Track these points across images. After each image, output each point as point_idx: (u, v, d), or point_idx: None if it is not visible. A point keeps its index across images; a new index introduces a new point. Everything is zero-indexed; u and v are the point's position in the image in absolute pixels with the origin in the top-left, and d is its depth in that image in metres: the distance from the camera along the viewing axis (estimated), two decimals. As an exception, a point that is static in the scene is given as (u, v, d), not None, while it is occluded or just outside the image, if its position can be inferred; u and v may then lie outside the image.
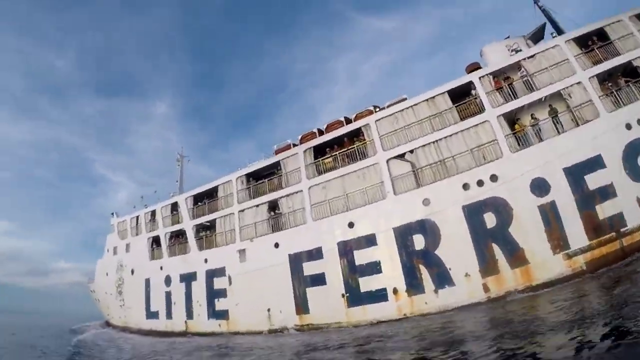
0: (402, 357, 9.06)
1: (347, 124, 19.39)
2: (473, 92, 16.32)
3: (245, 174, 22.21)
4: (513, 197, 14.08)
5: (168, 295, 24.16)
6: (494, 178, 14.54)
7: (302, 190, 19.12)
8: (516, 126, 15.37)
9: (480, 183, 14.70)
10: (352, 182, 17.70)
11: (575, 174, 13.37)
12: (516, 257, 13.69)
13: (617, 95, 13.89)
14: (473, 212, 14.56)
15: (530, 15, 19.61)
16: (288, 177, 20.08)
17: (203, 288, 21.94)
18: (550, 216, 13.47)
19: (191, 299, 22.61)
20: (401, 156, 16.83)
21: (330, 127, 19.86)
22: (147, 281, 26.05)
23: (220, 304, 20.98)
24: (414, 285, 15.04)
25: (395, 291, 15.34)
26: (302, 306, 17.65)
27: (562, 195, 13.42)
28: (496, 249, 14.00)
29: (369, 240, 16.31)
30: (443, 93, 16.65)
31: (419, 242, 15.27)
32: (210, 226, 23.40)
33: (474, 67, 17.23)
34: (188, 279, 22.93)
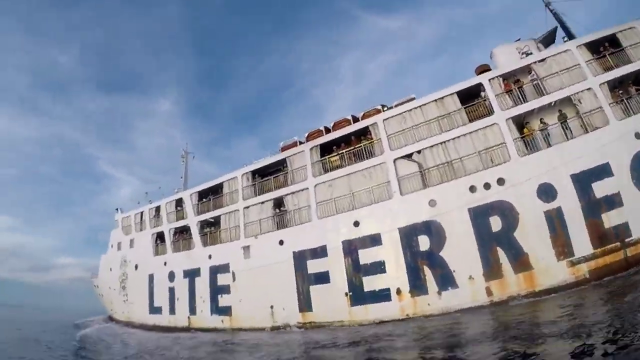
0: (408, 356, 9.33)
1: (354, 122, 19.56)
2: (482, 94, 16.43)
3: (251, 171, 22.46)
4: (519, 201, 14.22)
5: (171, 290, 24.47)
6: (501, 181, 14.68)
7: (307, 188, 19.34)
8: (525, 130, 15.47)
9: (487, 186, 14.86)
10: (358, 181, 17.89)
11: (583, 181, 13.48)
12: (520, 262, 13.86)
13: (627, 104, 13.94)
14: (479, 215, 14.73)
15: (537, 18, 19.78)
16: (294, 175, 20.29)
17: (207, 284, 22.24)
18: (556, 222, 13.62)
19: (194, 295, 22.92)
20: (408, 156, 17.00)
21: (337, 125, 20.04)
22: (151, 277, 26.37)
23: (223, 300, 21.28)
24: (417, 286, 15.26)
25: (398, 291, 15.56)
26: (305, 304, 17.90)
27: (569, 202, 13.54)
28: (501, 253, 14.17)
29: (374, 240, 16.52)
30: (452, 94, 16.78)
31: (424, 243, 15.48)
32: (215, 222, 23.67)
33: (483, 69, 17.33)
34: (192, 274, 23.24)
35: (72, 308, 72.28)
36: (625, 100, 14.01)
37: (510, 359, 6.64)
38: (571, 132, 14.51)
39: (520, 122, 15.76)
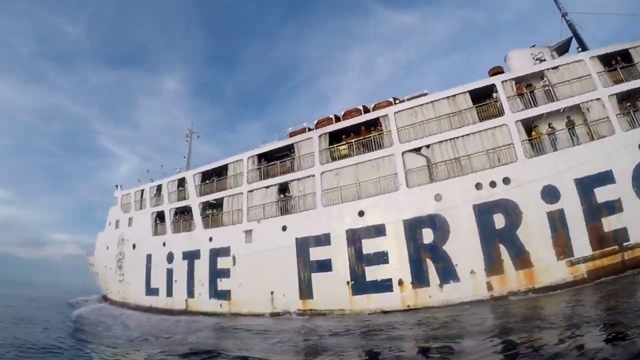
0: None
1: (364, 112, 19.97)
2: (494, 95, 17.05)
3: (257, 154, 22.68)
4: (524, 201, 14.86)
5: (169, 272, 24.57)
6: (506, 181, 15.30)
7: (314, 175, 19.69)
8: (533, 133, 16.09)
9: (492, 184, 15.46)
10: (365, 171, 18.35)
11: (586, 185, 14.17)
12: (521, 259, 14.49)
13: (634, 116, 14.67)
14: (483, 212, 15.32)
15: (550, 27, 20.49)
16: (301, 161, 20.62)
17: (206, 267, 22.41)
18: (558, 223, 14.28)
19: (193, 278, 23.08)
20: (417, 150, 17.51)
21: (348, 115, 20.43)
22: (149, 257, 26.44)
23: (222, 284, 21.50)
24: (419, 278, 15.78)
25: (400, 282, 16.06)
26: (306, 291, 18.29)
27: (571, 205, 14.22)
28: (503, 250, 14.78)
29: (378, 230, 17.00)
30: (465, 92, 17.35)
31: (427, 236, 16.00)
32: (217, 204, 23.88)
33: (496, 71, 17.93)
34: (191, 256, 23.42)
35: (65, 285, 70.51)
36: (632, 113, 14.73)
37: (509, 349, 7.06)
38: (578, 138, 15.19)
39: (529, 125, 16.36)
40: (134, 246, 28.25)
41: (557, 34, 18.55)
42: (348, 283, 17.15)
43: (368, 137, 19.03)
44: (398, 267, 16.25)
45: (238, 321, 17.89)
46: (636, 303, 10.26)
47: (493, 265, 14.80)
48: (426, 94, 18.56)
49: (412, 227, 16.36)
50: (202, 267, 22.74)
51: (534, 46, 18.27)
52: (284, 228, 19.63)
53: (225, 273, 21.48)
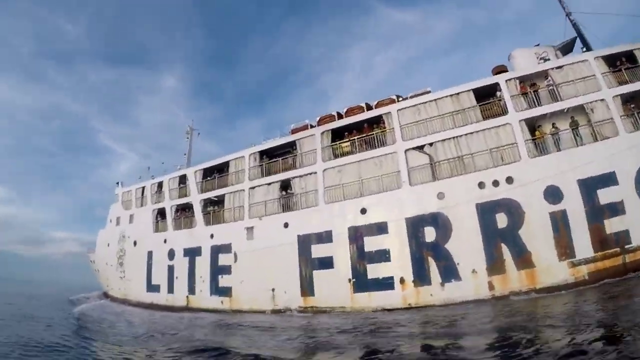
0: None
1: (367, 110, 20.01)
2: (498, 93, 17.08)
3: (259, 151, 22.74)
4: (526, 201, 14.93)
5: (171, 269, 24.70)
6: (509, 180, 15.36)
7: (316, 172, 19.73)
8: (537, 132, 16.14)
9: (495, 183, 15.52)
10: (368, 168, 18.41)
11: (589, 186, 14.22)
12: (523, 259, 14.57)
13: (637, 118, 14.74)
14: (486, 211, 15.39)
15: (553, 27, 20.52)
16: (303, 158, 20.65)
17: (207, 263, 22.51)
18: (560, 224, 14.36)
19: (194, 274, 23.19)
20: (420, 148, 17.57)
21: (350, 112, 20.46)
22: (150, 254, 26.57)
23: (224, 281, 21.59)
24: (421, 277, 15.86)
25: (402, 280, 16.14)
26: (307, 288, 18.37)
27: (574, 206, 14.29)
28: (505, 249, 14.86)
29: (380, 228, 17.07)
30: (468, 91, 17.39)
31: (430, 234, 16.08)
32: (219, 201, 23.97)
33: (500, 70, 17.97)
34: (192, 253, 23.52)
35: (65, 283, 70.48)
36: (636, 114, 14.80)
37: (509, 349, 7.01)
38: (581, 139, 15.24)
39: (532, 125, 16.40)
40: (135, 243, 28.33)
41: (558, 34, 18.79)
42: (349, 281, 17.23)
43: (371, 135, 19.09)
44: (400, 265, 16.33)
45: (242, 318, 17.84)
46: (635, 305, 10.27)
47: (495, 265, 14.88)
48: (429, 92, 18.61)
49: (415, 225, 16.43)
50: (203, 264, 22.83)
51: (538, 45, 18.29)
52: (286, 225, 19.71)
53: (227, 270, 21.56)
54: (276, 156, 22.29)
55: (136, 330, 15.44)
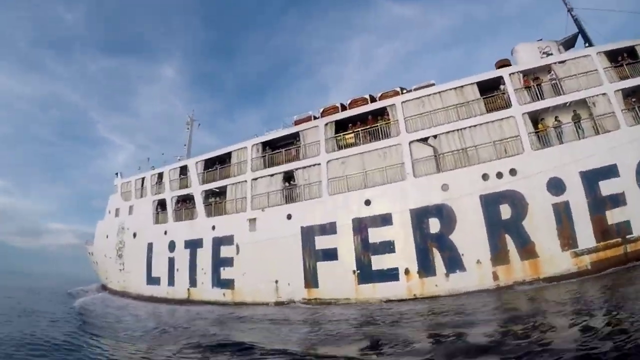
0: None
1: (371, 102, 20.00)
2: (502, 87, 17.21)
3: (261, 142, 22.59)
4: (530, 192, 15.08)
5: (171, 261, 24.46)
6: (513, 172, 15.49)
7: (320, 164, 19.67)
8: (539, 125, 16.31)
9: (499, 175, 15.64)
10: (372, 160, 18.40)
11: (591, 178, 14.44)
12: (527, 249, 14.74)
13: (638, 112, 14.98)
14: (490, 202, 15.51)
15: (554, 23, 20.72)
16: (306, 149, 20.60)
17: (209, 256, 22.33)
18: (563, 215, 14.56)
19: (195, 266, 22.98)
20: (424, 140, 17.62)
21: (354, 103, 20.42)
22: (150, 246, 26.26)
23: (225, 273, 21.44)
24: (426, 267, 15.92)
25: (407, 271, 16.18)
26: (311, 280, 18.33)
27: (576, 197, 14.49)
28: (508, 240, 15.01)
29: (385, 219, 17.09)
30: (472, 84, 17.47)
31: (434, 225, 16.13)
32: (220, 193, 23.78)
33: (503, 63, 18.09)
34: (193, 245, 23.30)
35: (62, 275, 68.67)
36: (637, 109, 15.03)
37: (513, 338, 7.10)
38: (583, 132, 15.43)
39: (535, 118, 16.55)
40: (134, 235, 27.97)
41: (559, 29, 18.85)
42: (354, 272, 17.24)
43: (375, 126, 19.08)
44: (404, 256, 16.37)
45: (250, 310, 17.65)
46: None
47: (499, 255, 15.02)
48: (433, 85, 18.67)
49: (419, 217, 16.48)
50: (204, 256, 22.62)
51: (541, 40, 18.42)
52: (289, 216, 19.62)
53: (229, 262, 21.39)
54: (279, 147, 22.17)
55: (145, 324, 14.95)
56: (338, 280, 17.52)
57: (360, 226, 17.55)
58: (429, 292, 15.60)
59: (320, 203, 19.00)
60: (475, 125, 16.87)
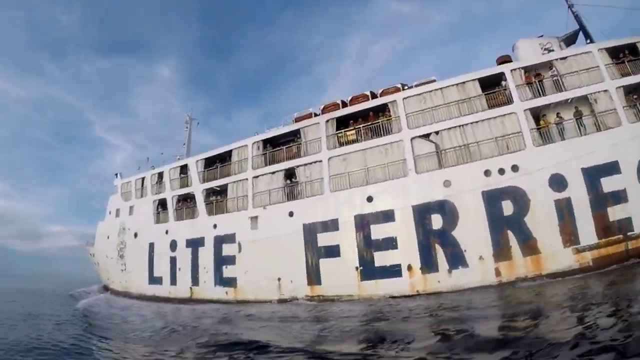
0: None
1: (372, 98, 19.93)
2: (503, 83, 17.21)
3: (262, 140, 22.48)
4: (532, 188, 15.09)
5: (173, 260, 24.38)
6: (515, 168, 15.49)
7: (321, 161, 19.58)
8: (541, 122, 16.29)
9: (501, 171, 15.64)
10: (373, 156, 18.36)
11: (592, 175, 14.46)
12: (529, 245, 14.76)
13: (640, 109, 14.95)
14: (492, 198, 15.51)
15: (553, 19, 20.70)
16: (307, 146, 20.51)
17: (211, 254, 22.26)
18: (565, 211, 14.58)
19: (197, 265, 22.90)
20: (426, 136, 17.58)
21: (355, 100, 20.35)
22: (151, 245, 26.10)
23: (228, 271, 21.36)
24: (428, 264, 15.92)
25: (409, 268, 16.17)
26: (314, 277, 18.27)
27: (578, 194, 14.51)
28: (511, 236, 15.02)
29: (387, 216, 17.06)
30: (474, 80, 17.45)
31: (436, 221, 16.12)
32: (221, 191, 23.68)
33: (504, 60, 18.08)
34: (195, 244, 23.23)
35: (62, 277, 67.22)
36: (638, 105, 15.04)
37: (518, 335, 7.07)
38: (585, 128, 15.44)
39: (537, 114, 16.55)
40: (135, 235, 27.82)
41: (560, 26, 18.78)
42: (357, 269, 17.22)
43: (376, 123, 19.03)
44: (407, 252, 16.36)
45: (259, 308, 17.51)
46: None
47: (501, 252, 15.03)
48: (434, 81, 18.63)
49: (421, 213, 16.46)
50: (206, 255, 22.54)
51: (542, 36, 18.42)
52: (291, 214, 19.56)
53: (231, 260, 21.31)
54: (280, 145, 22.11)
55: (152, 324, 14.67)
56: (341, 277, 17.50)
57: (363, 223, 17.51)
58: (431, 288, 15.60)
59: (322, 200, 18.95)
60: (477, 122, 16.85)
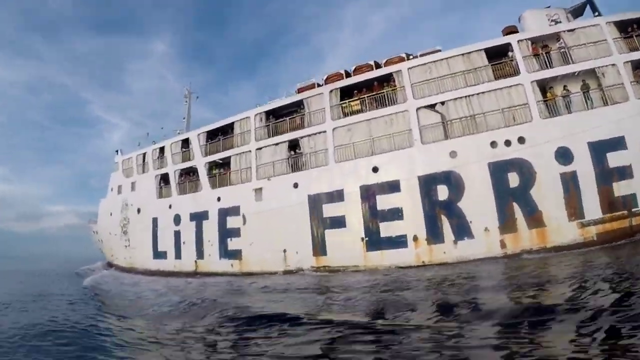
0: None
1: (376, 68, 19.07)
2: (510, 54, 16.44)
3: (265, 111, 21.58)
4: (538, 161, 14.61)
5: (177, 234, 23.77)
6: (521, 140, 14.95)
7: (325, 131, 18.86)
8: (548, 94, 15.67)
9: (507, 143, 15.10)
10: (378, 126, 17.66)
11: (598, 150, 14.00)
12: (534, 218, 14.38)
13: (647, 84, 14.33)
14: (498, 170, 15.02)
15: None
16: (311, 117, 19.64)
17: (215, 227, 21.69)
18: (570, 185, 14.17)
19: (202, 239, 22.35)
20: (432, 107, 16.88)
21: (359, 70, 19.46)
22: (155, 220, 25.43)
23: (233, 244, 20.86)
24: (434, 235, 15.50)
25: (415, 238, 15.76)
26: (319, 248, 17.84)
27: (584, 167, 14.08)
28: (516, 208, 14.61)
29: (393, 186, 16.52)
30: (480, 50, 16.65)
31: (442, 192, 15.61)
32: (224, 164, 22.95)
33: (510, 30, 17.29)
34: (199, 217, 22.58)
35: (62, 256, 66.26)
36: (646, 81, 14.36)
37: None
38: (592, 102, 14.86)
39: (544, 86, 15.90)
40: (138, 210, 27.01)
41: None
42: (362, 239, 16.78)
43: (381, 93, 18.20)
44: (413, 223, 15.90)
45: (272, 280, 16.88)
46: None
47: (507, 224, 14.65)
48: (439, 51, 17.82)
49: (427, 184, 15.93)
50: (211, 228, 21.94)
51: (549, 7, 17.58)
52: (296, 185, 18.91)
53: (236, 232, 20.76)
54: (282, 116, 21.17)
55: (168, 299, 13.72)
56: (346, 247, 17.05)
57: (368, 193, 16.96)
58: (437, 259, 15.23)
59: (327, 171, 18.30)
60: (483, 92, 16.16)
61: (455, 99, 16.48)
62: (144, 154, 27.80)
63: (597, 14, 16.76)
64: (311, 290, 12.93)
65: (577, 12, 17.75)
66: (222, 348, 6.58)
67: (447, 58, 17.16)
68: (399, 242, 16.02)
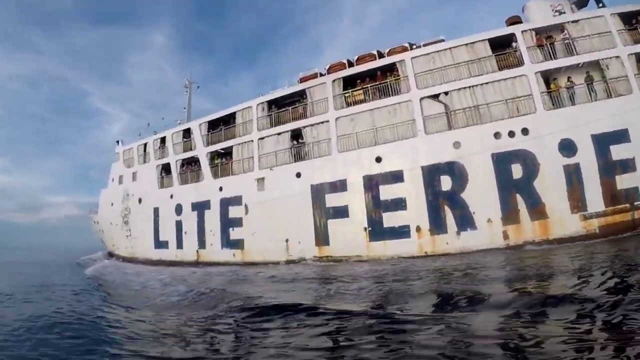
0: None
1: (379, 57, 18.66)
2: (514, 44, 16.10)
3: (267, 101, 21.14)
4: (541, 153, 14.39)
5: (179, 224, 23.47)
6: (525, 131, 14.71)
7: (328, 121, 18.47)
8: (552, 85, 15.38)
9: (511, 134, 14.85)
10: (382, 116, 17.34)
11: (602, 142, 13.77)
12: (537, 210, 14.22)
13: (651, 77, 14.08)
14: (501, 161, 14.80)
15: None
16: (314, 107, 19.23)
17: (217, 217, 21.39)
18: (574, 177, 13.99)
19: (204, 228, 22.06)
20: (435, 97, 16.55)
21: (361, 60, 19.03)
22: (156, 210, 25.09)
23: (235, 233, 20.58)
24: (437, 225, 15.31)
25: (418, 229, 15.56)
26: (322, 238, 17.62)
27: (587, 160, 13.87)
28: (519, 200, 14.44)
29: (396, 177, 16.27)
30: (484, 40, 16.30)
31: (446, 183, 15.40)
32: (226, 154, 22.59)
33: (514, 20, 16.94)
34: (201, 207, 22.26)
35: (62, 246, 65.46)
36: (650, 73, 14.08)
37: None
38: (596, 94, 14.59)
39: (547, 77, 15.63)
40: (139, 200, 26.62)
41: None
42: (365, 229, 16.56)
43: (384, 83, 17.83)
44: (416, 213, 15.69)
45: (276, 269, 16.52)
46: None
47: (510, 215, 14.49)
48: (443, 41, 17.45)
49: (431, 174, 15.70)
50: (212, 218, 21.65)
51: (553, -3, 17.16)
52: (298, 175, 18.61)
53: (238, 222, 20.46)
54: (285, 105, 20.76)
55: (175, 289, 13.11)
56: (349, 237, 16.85)
57: (371, 183, 16.71)
58: (440, 250, 15.07)
59: (330, 161, 18.00)
60: (487, 83, 15.84)
61: (459, 89, 16.16)
62: (145, 144, 27.31)
63: (601, 5, 16.39)
64: (320, 280, 12.52)
65: (581, 3, 17.36)
66: (241, 339, 6.30)
67: (450, 48, 16.78)
68: (401, 232, 15.82)
